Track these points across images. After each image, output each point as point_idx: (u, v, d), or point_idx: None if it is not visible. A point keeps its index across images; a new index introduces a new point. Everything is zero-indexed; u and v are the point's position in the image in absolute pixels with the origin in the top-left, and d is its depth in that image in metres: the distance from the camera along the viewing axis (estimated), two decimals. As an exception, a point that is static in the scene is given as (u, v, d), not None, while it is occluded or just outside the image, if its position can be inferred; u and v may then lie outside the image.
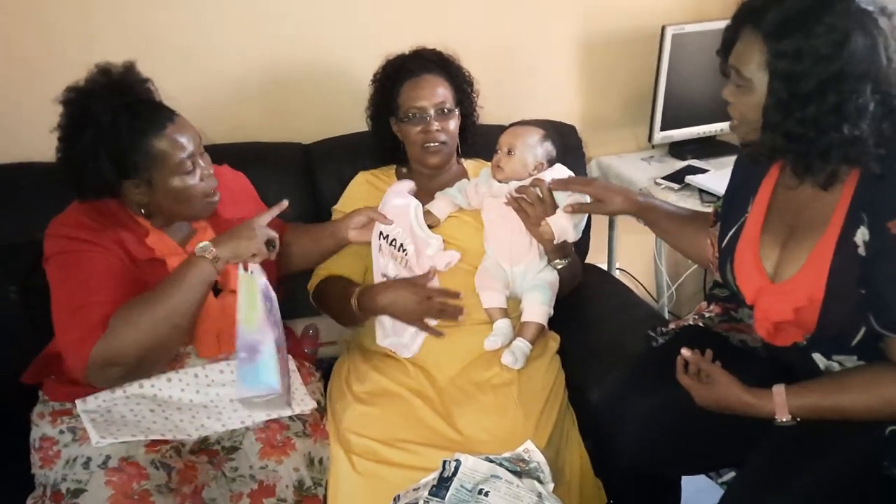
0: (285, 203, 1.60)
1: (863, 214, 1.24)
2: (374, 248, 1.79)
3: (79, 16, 1.95)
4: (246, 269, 1.48)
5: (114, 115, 1.41)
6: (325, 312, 1.88)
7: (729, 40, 1.29)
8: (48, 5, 1.92)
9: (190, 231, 1.60)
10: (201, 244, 1.45)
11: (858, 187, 1.25)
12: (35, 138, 1.93)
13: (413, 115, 1.83)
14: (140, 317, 1.40)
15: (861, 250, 1.24)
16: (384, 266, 1.77)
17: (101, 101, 1.42)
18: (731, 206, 1.50)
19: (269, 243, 1.51)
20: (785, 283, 1.34)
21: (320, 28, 2.14)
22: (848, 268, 1.25)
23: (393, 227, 1.75)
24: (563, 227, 1.72)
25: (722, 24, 2.18)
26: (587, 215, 1.79)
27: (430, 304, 1.68)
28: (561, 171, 1.81)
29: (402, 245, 1.74)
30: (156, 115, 1.47)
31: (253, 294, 1.46)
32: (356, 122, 2.00)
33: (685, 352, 1.42)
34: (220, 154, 1.80)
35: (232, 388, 1.53)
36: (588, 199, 1.72)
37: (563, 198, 1.75)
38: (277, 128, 2.15)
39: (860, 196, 1.25)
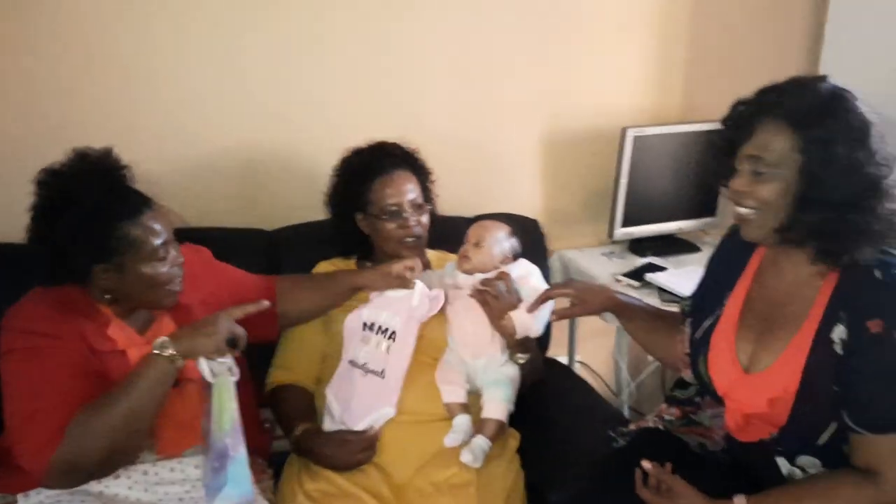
0: (266, 303, 1.56)
1: (842, 313, 1.28)
2: (350, 336, 1.78)
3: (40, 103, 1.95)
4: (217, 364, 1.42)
5: (95, 199, 1.41)
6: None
7: (743, 134, 1.33)
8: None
9: (149, 318, 1.57)
10: (159, 340, 1.40)
11: (839, 286, 1.30)
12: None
13: (390, 211, 1.84)
14: (98, 423, 1.35)
15: (838, 348, 1.28)
16: (355, 353, 1.75)
17: (82, 184, 1.42)
18: (706, 300, 1.53)
19: (233, 341, 1.45)
20: (759, 374, 1.37)
21: (287, 116, 2.17)
22: (823, 364, 1.29)
23: (382, 313, 1.75)
24: (526, 322, 1.72)
25: (680, 128, 2.28)
26: (549, 311, 1.80)
27: (360, 459, 1.65)
28: (525, 266, 1.83)
29: (389, 331, 1.74)
30: (134, 200, 1.46)
31: (224, 399, 1.39)
32: (321, 209, 2.00)
33: (645, 464, 1.41)
34: (185, 239, 1.79)
35: (181, 486, 1.47)
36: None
37: (527, 292, 1.76)
38: (243, 214, 2.14)
39: (840, 294, 1.30)
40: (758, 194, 1.32)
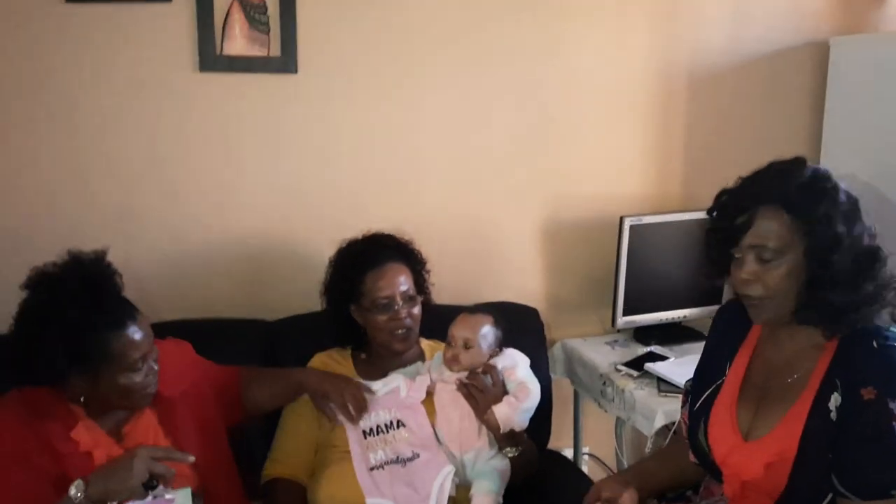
0: (191, 458, 1.48)
1: (838, 381, 1.31)
2: (356, 450, 1.75)
3: (51, 194, 2.03)
4: None
5: (80, 311, 1.43)
6: None
7: (742, 225, 1.35)
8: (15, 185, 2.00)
9: (126, 414, 1.57)
10: (75, 483, 1.37)
11: (836, 355, 1.33)
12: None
13: (381, 304, 1.87)
14: None
15: (833, 415, 1.30)
16: (373, 460, 1.73)
17: (69, 291, 1.44)
18: (706, 371, 1.55)
19: (152, 482, 1.39)
20: (758, 441, 1.38)
21: (285, 207, 2.21)
22: (820, 432, 1.31)
23: (377, 414, 1.77)
24: (507, 415, 1.72)
25: (678, 216, 2.30)
26: (534, 403, 1.79)
27: None
28: (512, 357, 1.83)
29: (393, 422, 1.76)
30: (119, 312, 1.48)
31: None
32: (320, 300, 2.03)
33: None
34: (184, 330, 1.84)
35: None
36: None
37: (513, 385, 1.76)
38: (242, 305, 2.18)
39: (837, 363, 1.32)
40: (766, 281, 1.34)
